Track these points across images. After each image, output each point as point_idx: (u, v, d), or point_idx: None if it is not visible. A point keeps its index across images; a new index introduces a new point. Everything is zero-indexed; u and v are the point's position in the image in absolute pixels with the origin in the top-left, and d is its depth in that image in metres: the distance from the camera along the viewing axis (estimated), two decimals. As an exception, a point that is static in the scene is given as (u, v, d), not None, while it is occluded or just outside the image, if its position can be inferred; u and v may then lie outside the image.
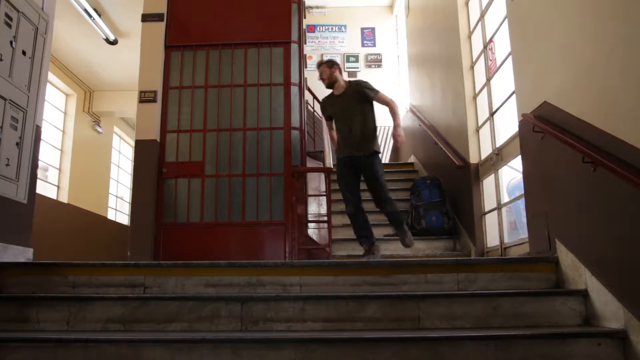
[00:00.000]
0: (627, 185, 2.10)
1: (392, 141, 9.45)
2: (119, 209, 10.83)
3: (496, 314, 2.53)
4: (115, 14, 6.69)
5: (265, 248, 4.34)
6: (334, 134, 4.27)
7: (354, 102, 4.04)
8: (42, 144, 4.82)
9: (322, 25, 9.86)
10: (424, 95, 7.04)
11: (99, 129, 9.11)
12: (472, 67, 4.84)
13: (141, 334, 2.41)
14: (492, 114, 4.38)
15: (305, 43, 5.25)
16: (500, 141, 4.22)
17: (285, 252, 4.26)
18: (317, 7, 9.80)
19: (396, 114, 4.04)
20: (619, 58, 2.26)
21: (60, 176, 8.12)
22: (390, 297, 2.62)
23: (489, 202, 4.45)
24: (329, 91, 4.26)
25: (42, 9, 3.41)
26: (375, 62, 9.75)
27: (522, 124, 3.32)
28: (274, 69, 4.61)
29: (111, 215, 9.88)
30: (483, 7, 4.60)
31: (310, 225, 4.88)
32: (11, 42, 3.06)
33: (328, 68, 4.15)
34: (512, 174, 4.28)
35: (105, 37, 7.02)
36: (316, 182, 5.15)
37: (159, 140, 4.46)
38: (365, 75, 9.12)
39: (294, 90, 4.61)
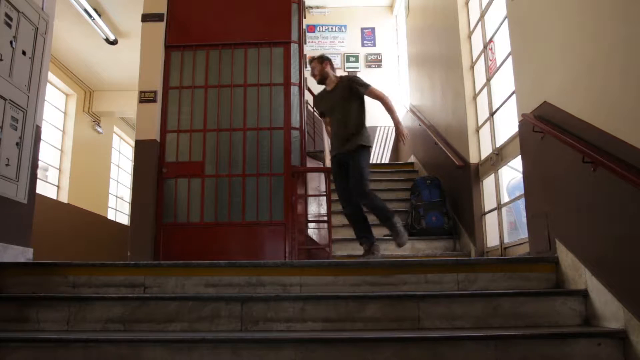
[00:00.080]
0: (627, 185, 2.09)
1: (392, 141, 9.49)
2: (119, 209, 10.83)
3: (496, 314, 2.53)
4: (115, 14, 6.69)
5: (265, 248, 4.34)
6: (330, 129, 4.24)
7: (344, 98, 3.98)
8: (42, 144, 4.82)
9: (322, 25, 9.86)
10: (424, 95, 7.04)
11: (99, 129, 9.11)
12: (472, 67, 4.84)
13: (141, 334, 2.41)
14: (492, 114, 4.38)
15: (306, 43, 5.25)
16: (500, 141, 4.22)
17: (285, 252, 4.26)
18: (317, 7, 9.80)
19: (391, 108, 3.90)
20: (619, 58, 2.26)
21: (60, 176, 8.12)
22: (390, 297, 2.62)
23: (489, 202, 4.45)
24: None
25: (42, 9, 3.41)
26: (375, 62, 9.75)
27: (522, 124, 3.32)
28: (274, 69, 4.61)
29: (111, 215, 9.88)
30: (483, 7, 4.60)
31: (310, 225, 4.88)
32: (11, 42, 3.06)
33: (319, 64, 4.13)
34: (512, 174, 4.27)
35: (105, 37, 7.02)
36: (316, 182, 5.15)
37: (159, 140, 4.46)
38: (366, 75, 9.10)
39: (294, 90, 4.62)
